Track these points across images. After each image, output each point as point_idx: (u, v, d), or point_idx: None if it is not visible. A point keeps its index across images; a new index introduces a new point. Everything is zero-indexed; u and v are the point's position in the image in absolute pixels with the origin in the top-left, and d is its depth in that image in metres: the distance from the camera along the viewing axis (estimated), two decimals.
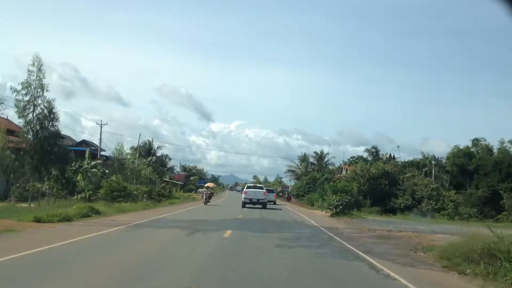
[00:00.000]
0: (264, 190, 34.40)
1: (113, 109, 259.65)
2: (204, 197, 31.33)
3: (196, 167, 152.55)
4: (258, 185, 40.01)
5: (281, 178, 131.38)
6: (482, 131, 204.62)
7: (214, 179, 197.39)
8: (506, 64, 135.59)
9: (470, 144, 53.25)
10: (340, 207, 27.27)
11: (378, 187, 36.30)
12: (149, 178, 35.42)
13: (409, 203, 35.03)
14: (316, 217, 26.29)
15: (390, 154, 55.04)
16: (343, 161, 66.00)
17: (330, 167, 70.49)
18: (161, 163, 73.88)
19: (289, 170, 74.74)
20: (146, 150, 62.18)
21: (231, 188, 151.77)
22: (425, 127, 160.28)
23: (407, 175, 38.03)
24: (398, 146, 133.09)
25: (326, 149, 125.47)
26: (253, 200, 32.13)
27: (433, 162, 55.49)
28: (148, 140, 62.96)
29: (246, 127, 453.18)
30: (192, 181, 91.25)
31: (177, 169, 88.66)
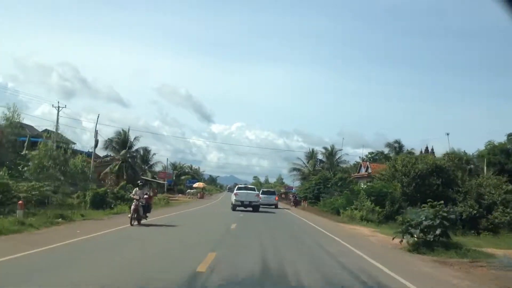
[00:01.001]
0: (257, 192, 31.86)
1: (113, 109, 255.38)
2: (132, 209, 15.93)
3: (192, 166, 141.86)
4: (249, 186, 36.81)
5: (283, 178, 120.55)
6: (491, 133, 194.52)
7: (213, 180, 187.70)
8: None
9: (504, 140, 42.39)
10: (437, 233, 12.84)
11: (427, 188, 25.10)
12: (79, 172, 24.12)
13: (475, 212, 23.87)
14: (374, 248, 13.50)
15: (427, 147, 43.66)
16: (361, 157, 55.00)
17: (343, 165, 59.42)
18: (142, 159, 62.86)
19: (294, 169, 63.64)
20: (120, 142, 51.02)
21: (230, 189, 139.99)
22: (427, 127, 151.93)
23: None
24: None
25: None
26: (245, 203, 29.66)
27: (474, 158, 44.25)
28: (122, 130, 51.56)
29: (247, 128, 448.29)
30: (183, 180, 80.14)
31: (163, 165, 77.59)
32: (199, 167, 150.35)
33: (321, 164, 61.93)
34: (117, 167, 49.75)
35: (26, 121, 39.42)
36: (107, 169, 50.28)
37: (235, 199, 29.97)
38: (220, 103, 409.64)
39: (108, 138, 50.90)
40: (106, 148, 50.35)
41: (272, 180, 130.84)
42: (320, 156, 63.03)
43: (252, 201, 29.79)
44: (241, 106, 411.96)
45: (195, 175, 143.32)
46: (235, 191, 31.62)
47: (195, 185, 59.23)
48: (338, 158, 60.86)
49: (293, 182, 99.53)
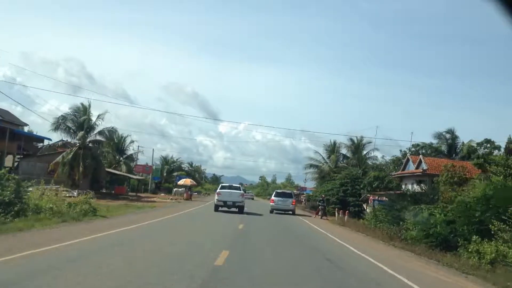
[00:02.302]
0: (241, 191, 28.82)
1: (120, 106, 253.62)
2: None
3: (192, 163, 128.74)
4: (234, 185, 32.40)
5: (291, 177, 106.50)
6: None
7: (216, 179, 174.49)
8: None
9: None
10: None
11: None
12: None
13: None
14: None
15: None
16: (409, 149, 41.34)
17: (371, 162, 45.73)
18: (117, 147, 49.74)
19: (310, 165, 49.81)
20: (78, 122, 37.76)
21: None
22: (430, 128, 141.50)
23: None
24: None
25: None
26: (228, 203, 27.37)
27: None
28: (81, 104, 37.75)
29: (254, 129, 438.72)
30: (174, 177, 66.80)
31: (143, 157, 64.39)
32: (200, 165, 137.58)
33: (345, 160, 48.27)
34: (71, 155, 36.68)
35: None
36: (59, 158, 37.29)
37: (217, 199, 27.97)
38: (226, 102, 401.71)
39: (61, 115, 37.71)
40: (56, 129, 37.15)
41: (280, 180, 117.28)
42: (343, 151, 49.36)
43: (236, 201, 27.61)
44: (248, 106, 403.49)
45: (195, 173, 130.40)
46: (217, 191, 29.59)
47: (181, 181, 45.76)
48: (367, 153, 47.14)
49: (305, 182, 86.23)
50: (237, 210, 27.13)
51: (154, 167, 58.69)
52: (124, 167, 48.39)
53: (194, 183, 50.73)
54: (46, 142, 42.68)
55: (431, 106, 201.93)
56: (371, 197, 32.08)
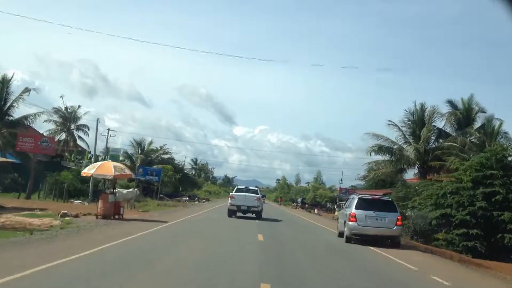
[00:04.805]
0: (258, 195, 26.07)
1: (135, 108, 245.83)
2: None
3: (197, 160, 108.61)
4: (251, 187, 28.87)
5: (321, 177, 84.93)
6: None
7: (228, 181, 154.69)
8: None
9: None
10: None
11: None
12: None
13: None
14: None
15: None
16: None
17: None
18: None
19: (378, 148, 28.62)
20: None
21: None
22: None
23: None
24: None
25: None
26: (242, 208, 24.96)
27: None
28: None
29: (269, 132, 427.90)
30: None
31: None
32: (207, 162, 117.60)
33: (441, 141, 27.51)
34: None
35: None
36: None
37: (230, 203, 25.29)
38: (242, 105, 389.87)
39: None
40: None
41: (303, 183, 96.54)
42: (438, 121, 28.35)
43: (251, 206, 24.92)
44: (264, 109, 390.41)
45: (201, 172, 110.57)
46: (231, 194, 26.93)
47: (85, 171, 18.61)
48: (481, 126, 26.37)
49: (340, 183, 65.17)
50: (254, 215, 24.93)
51: (89, 153, 37.43)
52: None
53: (127, 172, 19.84)
54: None
55: None
56: None
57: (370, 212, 15.54)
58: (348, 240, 15.82)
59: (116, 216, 17.00)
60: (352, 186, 52.38)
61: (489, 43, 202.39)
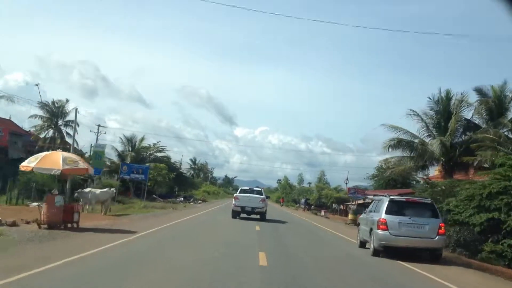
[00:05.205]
0: (263, 196, 25.71)
1: (135, 109, 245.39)
2: None
3: (195, 159, 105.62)
4: (255, 188, 28.68)
5: (325, 176, 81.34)
6: None
7: (229, 181, 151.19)
8: None
9: None
10: None
11: None
12: None
13: None
14: None
15: None
16: None
17: None
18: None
19: (398, 142, 24.56)
20: None
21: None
22: None
23: None
24: None
25: None
26: (246, 209, 24.74)
27: None
28: None
29: (270, 133, 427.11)
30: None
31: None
32: (206, 162, 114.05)
33: (469, 133, 24.01)
34: None
35: None
36: None
37: (234, 204, 25.17)
38: (242, 106, 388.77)
39: None
40: None
41: (305, 183, 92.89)
42: (465, 113, 24.75)
43: (256, 207, 24.61)
44: (264, 110, 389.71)
45: (200, 172, 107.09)
46: (235, 195, 26.72)
47: (24, 165, 13.58)
48: None
49: (346, 183, 61.67)
50: (258, 216, 24.92)
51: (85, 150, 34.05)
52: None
53: (82, 166, 13.97)
54: None
55: None
56: None
57: (405, 218, 12.11)
58: (376, 253, 12.33)
59: (69, 225, 13.12)
60: (355, 186, 48.98)
61: None
